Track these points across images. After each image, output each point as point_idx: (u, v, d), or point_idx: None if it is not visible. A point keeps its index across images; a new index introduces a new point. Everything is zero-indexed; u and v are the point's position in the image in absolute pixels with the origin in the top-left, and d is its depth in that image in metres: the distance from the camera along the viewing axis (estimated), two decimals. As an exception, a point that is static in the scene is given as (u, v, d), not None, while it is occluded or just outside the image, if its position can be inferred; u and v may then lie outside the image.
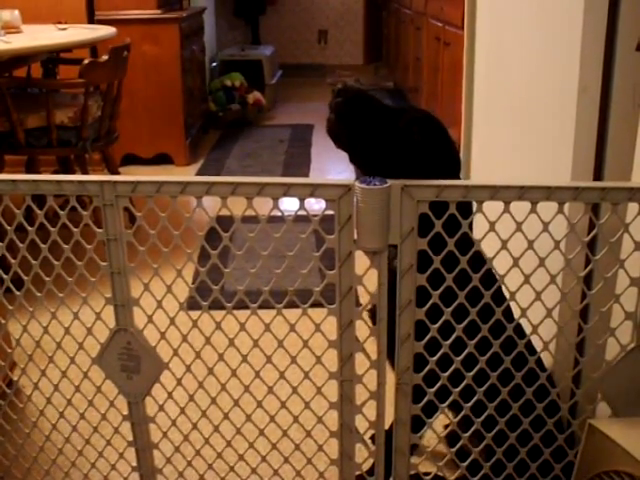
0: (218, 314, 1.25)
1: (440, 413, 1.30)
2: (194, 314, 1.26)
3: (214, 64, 5.99)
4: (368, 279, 1.20)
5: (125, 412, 1.35)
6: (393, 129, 1.30)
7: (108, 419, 1.37)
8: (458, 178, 1.38)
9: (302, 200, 1.18)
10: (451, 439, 1.37)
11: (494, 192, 1.14)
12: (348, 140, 1.30)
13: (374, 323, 1.23)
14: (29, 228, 1.25)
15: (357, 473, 1.33)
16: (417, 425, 1.29)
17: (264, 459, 1.36)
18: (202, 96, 5.21)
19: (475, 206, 1.17)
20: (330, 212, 1.17)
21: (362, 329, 1.24)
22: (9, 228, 1.25)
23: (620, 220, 1.15)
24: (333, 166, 4.39)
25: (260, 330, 1.24)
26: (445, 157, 1.37)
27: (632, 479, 1.09)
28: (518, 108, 1.98)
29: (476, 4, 2.41)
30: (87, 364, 1.33)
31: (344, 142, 1.31)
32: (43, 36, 2.99)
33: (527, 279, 1.18)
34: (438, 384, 1.25)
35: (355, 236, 1.17)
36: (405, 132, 1.31)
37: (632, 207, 1.17)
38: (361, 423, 1.29)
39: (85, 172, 3.08)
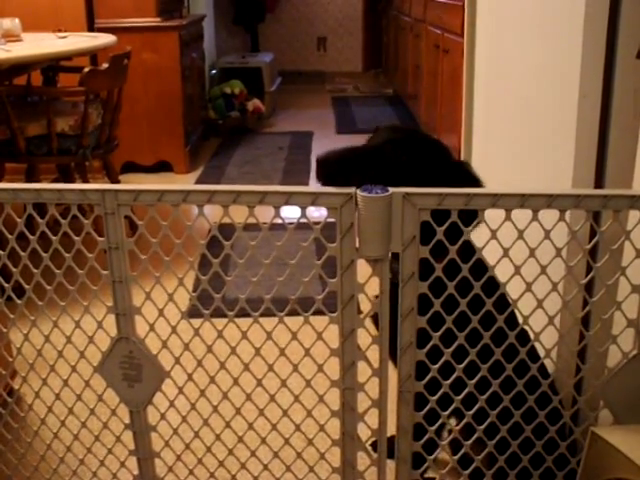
0: (219, 322, 1.25)
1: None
2: (196, 322, 1.26)
3: (214, 71, 6.00)
4: (369, 287, 1.20)
5: (127, 421, 1.35)
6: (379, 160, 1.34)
7: (110, 428, 1.37)
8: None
9: (303, 208, 1.18)
10: (453, 446, 1.37)
11: (495, 200, 1.14)
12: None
13: (378, 329, 1.23)
14: (30, 237, 1.25)
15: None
16: (419, 433, 1.29)
17: (266, 467, 1.35)
18: (202, 104, 5.22)
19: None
20: (331, 220, 1.17)
21: (364, 337, 1.24)
22: (10, 237, 1.25)
23: (621, 227, 1.16)
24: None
25: (262, 338, 1.24)
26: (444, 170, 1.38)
27: (635, 487, 1.09)
28: (518, 115, 1.99)
29: (476, 11, 2.42)
30: (88, 373, 1.33)
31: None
32: (43, 44, 3.00)
33: (529, 287, 1.18)
34: (440, 392, 1.25)
35: (357, 244, 1.17)
36: (390, 155, 1.35)
37: (633, 214, 1.17)
38: (363, 431, 1.28)
39: (85, 180, 3.08)
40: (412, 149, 1.39)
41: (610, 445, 1.15)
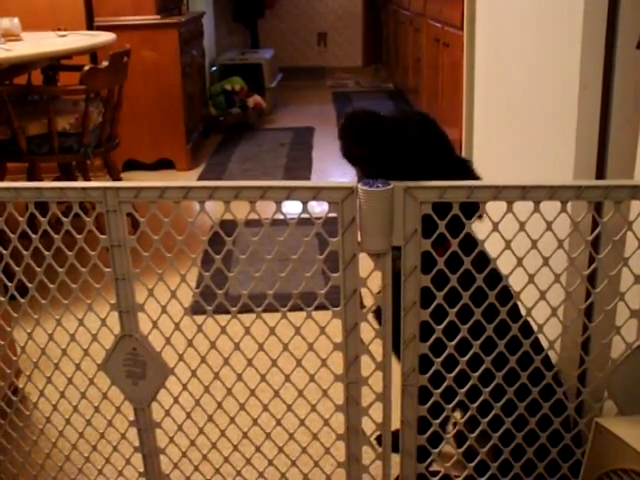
0: (223, 318, 1.25)
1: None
2: (199, 319, 1.26)
3: (214, 68, 5.99)
4: (372, 281, 1.20)
5: (131, 418, 1.35)
6: (400, 137, 1.32)
7: (114, 425, 1.38)
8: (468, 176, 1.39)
9: (305, 203, 1.18)
10: (458, 439, 1.37)
11: (497, 192, 1.14)
12: (363, 157, 1.31)
13: (380, 324, 1.23)
14: (33, 235, 1.25)
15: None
16: (424, 427, 1.29)
17: (271, 463, 1.36)
18: (202, 101, 5.21)
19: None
20: (333, 215, 1.17)
21: (367, 331, 1.24)
22: (13, 236, 1.25)
23: (623, 218, 1.15)
24: (335, 169, 4.39)
25: (265, 334, 1.24)
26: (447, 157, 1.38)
27: (640, 477, 1.09)
28: (519, 107, 1.98)
29: (475, 4, 2.41)
30: (93, 370, 1.33)
31: (362, 160, 1.32)
32: (43, 43, 3.00)
33: (531, 279, 1.18)
34: (444, 385, 1.25)
35: (359, 238, 1.17)
36: (411, 135, 1.34)
37: (635, 205, 1.17)
38: (368, 425, 1.29)
39: (87, 178, 3.08)
40: (426, 130, 1.39)
41: (615, 436, 1.15)
